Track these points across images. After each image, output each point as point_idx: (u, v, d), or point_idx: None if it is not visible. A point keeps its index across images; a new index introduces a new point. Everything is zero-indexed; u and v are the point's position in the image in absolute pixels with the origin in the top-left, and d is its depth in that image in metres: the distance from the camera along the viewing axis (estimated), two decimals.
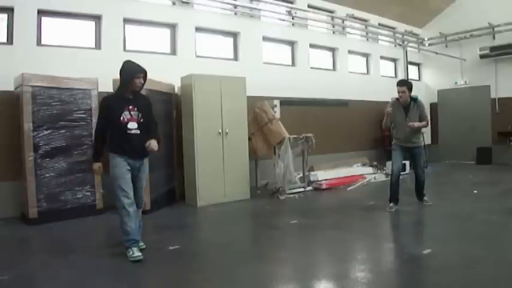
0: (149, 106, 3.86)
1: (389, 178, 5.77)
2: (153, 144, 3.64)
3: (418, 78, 12.18)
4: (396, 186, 5.39)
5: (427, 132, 11.18)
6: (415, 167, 5.57)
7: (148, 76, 5.52)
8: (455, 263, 3.36)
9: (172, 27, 7.25)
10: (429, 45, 11.75)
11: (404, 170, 8.21)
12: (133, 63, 3.75)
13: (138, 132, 3.67)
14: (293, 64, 9.12)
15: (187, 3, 7.34)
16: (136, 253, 3.53)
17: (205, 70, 6.47)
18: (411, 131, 5.32)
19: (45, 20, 5.97)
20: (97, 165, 3.79)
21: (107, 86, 5.66)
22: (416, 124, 5.29)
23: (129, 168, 3.67)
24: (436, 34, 11.47)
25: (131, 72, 3.68)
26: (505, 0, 9.92)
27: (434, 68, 11.98)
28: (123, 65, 3.74)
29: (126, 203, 3.62)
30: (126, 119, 3.64)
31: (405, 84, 5.44)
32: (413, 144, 5.42)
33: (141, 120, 3.70)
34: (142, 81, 3.74)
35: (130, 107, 3.68)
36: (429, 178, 8.12)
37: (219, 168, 6.25)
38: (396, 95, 5.54)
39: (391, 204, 5.39)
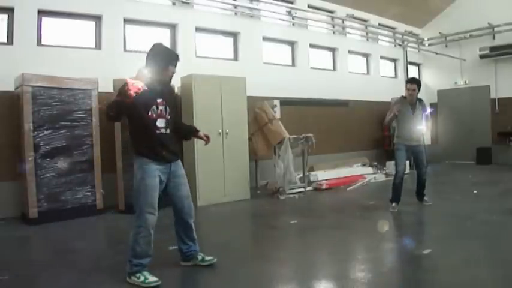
0: (175, 99, 3.29)
1: (389, 178, 5.79)
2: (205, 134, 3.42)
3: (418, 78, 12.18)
4: (400, 187, 5.36)
5: (426, 132, 11.20)
6: (417, 166, 5.54)
7: None
8: (455, 263, 3.36)
9: (172, 27, 7.26)
10: (429, 45, 11.75)
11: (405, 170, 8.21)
12: (168, 47, 3.21)
13: (168, 131, 3.13)
14: (293, 64, 9.12)
15: (187, 3, 7.34)
16: (151, 277, 2.98)
17: (205, 70, 6.47)
18: (416, 129, 5.33)
19: (45, 20, 5.98)
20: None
21: (107, 86, 5.68)
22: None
23: (162, 179, 3.11)
24: (436, 34, 11.47)
25: (167, 58, 3.09)
26: (505, 0, 9.92)
27: (434, 68, 11.98)
28: (155, 47, 3.11)
29: (151, 222, 3.03)
30: (154, 116, 3.05)
31: (416, 82, 5.49)
32: (418, 142, 5.41)
33: (169, 117, 3.13)
34: (175, 70, 3.16)
35: (159, 101, 3.08)
36: (429, 178, 8.10)
37: (219, 168, 6.25)
38: (395, 95, 5.56)
39: (394, 204, 5.38)
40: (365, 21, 10.56)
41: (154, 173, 3.05)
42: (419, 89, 5.42)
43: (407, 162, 6.12)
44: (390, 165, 8.19)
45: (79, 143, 5.42)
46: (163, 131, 3.10)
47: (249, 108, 6.87)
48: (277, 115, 7.34)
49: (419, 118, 5.39)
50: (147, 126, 3.04)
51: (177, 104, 3.31)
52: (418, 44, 11.83)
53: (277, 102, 7.57)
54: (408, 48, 11.23)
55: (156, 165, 3.07)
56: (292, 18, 9.00)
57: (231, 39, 8.12)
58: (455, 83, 11.42)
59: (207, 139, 3.51)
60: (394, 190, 5.37)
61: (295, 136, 7.03)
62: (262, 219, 5.47)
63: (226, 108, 6.31)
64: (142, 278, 2.98)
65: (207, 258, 3.42)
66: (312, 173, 7.71)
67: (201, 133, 3.48)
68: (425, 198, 5.59)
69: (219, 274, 3.34)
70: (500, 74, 10.50)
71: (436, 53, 11.39)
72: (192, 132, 3.54)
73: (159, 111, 3.07)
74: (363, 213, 5.49)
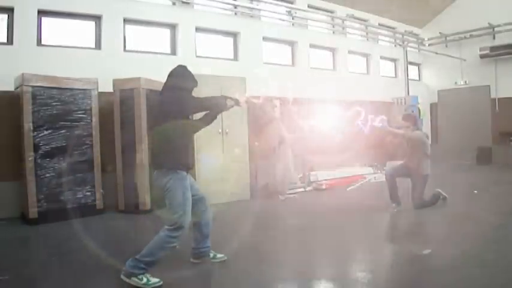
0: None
1: None
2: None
3: (418, 79, 12.18)
4: (393, 186, 5.40)
5: (426, 132, 11.19)
6: (411, 195, 5.38)
7: (149, 76, 5.61)
8: (455, 263, 3.36)
9: (172, 27, 7.25)
10: (429, 45, 11.75)
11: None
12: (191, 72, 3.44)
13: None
14: (293, 64, 9.12)
15: (187, 3, 7.34)
16: (152, 279, 3.01)
17: (205, 70, 6.46)
18: (409, 156, 5.39)
19: (45, 20, 5.97)
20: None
21: (107, 86, 5.68)
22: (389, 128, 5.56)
23: None
24: (436, 34, 11.47)
25: (194, 83, 3.40)
26: (505, 0, 9.92)
27: (434, 68, 11.98)
28: (183, 69, 3.39)
29: (184, 231, 3.14)
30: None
31: (409, 120, 5.48)
32: (411, 171, 5.33)
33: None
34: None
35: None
36: (429, 178, 8.11)
37: (219, 168, 6.24)
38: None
39: (394, 204, 5.40)
40: (365, 21, 10.56)
41: (188, 186, 3.19)
42: (414, 124, 5.41)
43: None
44: (390, 166, 8.19)
45: (79, 143, 5.41)
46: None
47: (249, 108, 6.86)
48: (277, 115, 7.33)
49: (416, 150, 5.30)
50: (189, 135, 3.30)
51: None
52: (418, 44, 11.82)
53: (277, 102, 7.56)
54: (408, 48, 11.24)
55: (187, 178, 3.22)
56: (292, 18, 8.99)
57: (231, 39, 8.12)
58: (455, 83, 11.41)
59: (236, 103, 3.40)
60: (388, 189, 5.45)
61: (295, 136, 7.03)
62: (262, 219, 5.46)
63: None
64: (145, 280, 2.99)
65: (219, 255, 3.53)
66: (312, 173, 7.70)
67: (230, 101, 3.34)
68: (441, 200, 5.59)
69: (219, 274, 3.34)
70: (500, 74, 10.50)
71: (436, 53, 11.39)
72: (215, 115, 3.52)
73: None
74: (362, 213, 5.48)
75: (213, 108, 3.39)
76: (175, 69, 3.38)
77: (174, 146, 3.13)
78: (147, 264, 3.02)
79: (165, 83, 3.31)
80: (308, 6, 9.17)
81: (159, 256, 3.06)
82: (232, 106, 3.34)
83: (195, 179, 5.95)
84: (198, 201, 3.40)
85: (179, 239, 3.12)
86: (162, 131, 3.14)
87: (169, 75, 3.33)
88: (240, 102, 3.37)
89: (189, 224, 3.19)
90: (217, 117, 3.62)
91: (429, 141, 5.62)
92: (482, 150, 10.54)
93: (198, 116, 3.60)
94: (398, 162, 5.54)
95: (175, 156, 3.12)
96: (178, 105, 3.15)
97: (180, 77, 3.31)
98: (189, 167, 3.25)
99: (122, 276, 3.02)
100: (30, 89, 5.02)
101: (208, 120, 3.49)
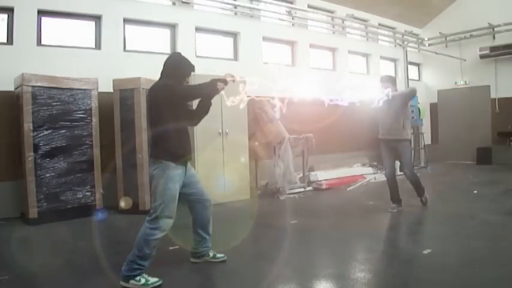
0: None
1: None
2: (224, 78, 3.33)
3: (418, 78, 12.17)
4: (393, 186, 5.34)
5: (426, 132, 11.20)
6: (401, 166, 5.33)
7: (149, 76, 5.61)
8: (455, 263, 3.36)
9: (172, 27, 7.25)
10: (429, 45, 11.75)
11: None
12: (186, 58, 3.38)
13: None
14: (293, 64, 9.12)
15: (187, 3, 7.34)
16: (151, 279, 2.98)
17: (205, 70, 6.46)
18: (391, 121, 5.18)
19: (45, 20, 5.97)
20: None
21: (107, 86, 5.69)
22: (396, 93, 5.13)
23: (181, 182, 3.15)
24: (436, 34, 11.47)
25: (191, 68, 3.34)
26: (505, 0, 9.92)
27: (434, 68, 11.98)
28: (177, 56, 3.39)
29: (167, 228, 3.08)
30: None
31: (389, 80, 5.37)
32: (395, 137, 5.18)
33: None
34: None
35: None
36: (429, 178, 8.13)
37: (219, 169, 6.24)
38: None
39: (394, 204, 5.38)
40: (365, 21, 10.56)
41: (178, 177, 3.10)
42: (394, 85, 5.29)
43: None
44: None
45: (79, 143, 5.41)
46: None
47: (249, 108, 6.86)
48: (277, 115, 7.33)
49: (400, 112, 5.17)
50: (181, 127, 3.19)
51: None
52: (418, 44, 11.82)
53: (277, 102, 7.55)
54: (408, 48, 11.22)
55: (182, 170, 3.14)
56: (292, 18, 8.99)
57: (231, 39, 8.12)
58: (455, 83, 11.42)
59: (230, 79, 3.37)
60: (389, 190, 5.39)
61: (295, 136, 7.03)
62: (262, 219, 5.46)
63: (226, 108, 6.28)
64: (143, 281, 2.95)
65: (219, 255, 3.52)
66: (312, 173, 7.71)
67: (220, 84, 3.26)
68: (422, 198, 5.45)
69: (219, 274, 3.34)
70: (500, 74, 10.50)
71: (436, 53, 11.39)
72: (208, 100, 3.46)
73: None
74: (362, 213, 5.49)
75: (204, 95, 3.37)
76: (169, 56, 3.38)
77: (164, 135, 3.08)
78: (139, 262, 2.95)
79: (161, 72, 3.30)
80: (308, 6, 9.17)
81: (146, 251, 2.96)
82: (223, 88, 3.29)
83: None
84: (200, 201, 3.38)
85: (162, 231, 3.04)
86: (154, 120, 3.13)
87: (164, 64, 3.31)
88: (228, 80, 3.33)
89: (172, 219, 3.11)
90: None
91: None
92: (482, 150, 10.53)
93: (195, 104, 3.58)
94: (385, 158, 5.33)
95: (164, 146, 3.07)
96: (164, 94, 3.10)
97: (174, 64, 3.29)
98: (179, 158, 3.11)
99: (121, 282, 2.98)
100: (30, 89, 5.01)
101: (202, 108, 3.47)
